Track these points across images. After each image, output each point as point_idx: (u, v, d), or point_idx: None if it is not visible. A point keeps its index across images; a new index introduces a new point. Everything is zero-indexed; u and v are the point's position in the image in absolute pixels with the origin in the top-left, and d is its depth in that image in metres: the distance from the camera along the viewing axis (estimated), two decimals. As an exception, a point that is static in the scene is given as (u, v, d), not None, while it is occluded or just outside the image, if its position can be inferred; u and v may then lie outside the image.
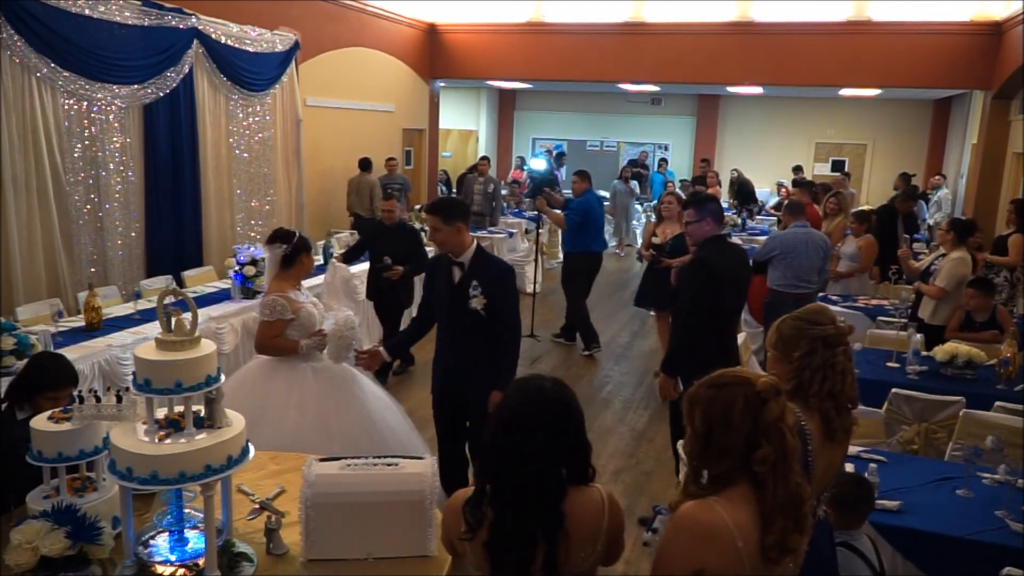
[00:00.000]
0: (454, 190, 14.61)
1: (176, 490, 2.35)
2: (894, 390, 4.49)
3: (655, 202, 13.92)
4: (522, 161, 16.51)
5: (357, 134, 11.12)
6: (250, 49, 8.50)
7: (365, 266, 6.94)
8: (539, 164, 9.60)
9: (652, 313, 8.00)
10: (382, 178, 10.94)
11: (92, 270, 6.76)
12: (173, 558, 2.35)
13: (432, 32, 12.95)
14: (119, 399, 2.37)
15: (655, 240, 6.82)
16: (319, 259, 6.81)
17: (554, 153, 17.64)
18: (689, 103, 17.05)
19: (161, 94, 7.29)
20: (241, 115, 8.56)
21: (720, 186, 12.74)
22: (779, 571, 1.76)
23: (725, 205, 11.73)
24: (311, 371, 3.87)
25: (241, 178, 8.64)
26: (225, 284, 6.63)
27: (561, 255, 8.24)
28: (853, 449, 3.46)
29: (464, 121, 17.77)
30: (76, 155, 6.58)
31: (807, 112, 16.07)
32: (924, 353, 5.12)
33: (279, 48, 8.99)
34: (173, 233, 7.63)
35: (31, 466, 2.48)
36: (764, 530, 1.73)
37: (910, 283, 6.45)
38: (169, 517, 2.41)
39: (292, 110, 9.45)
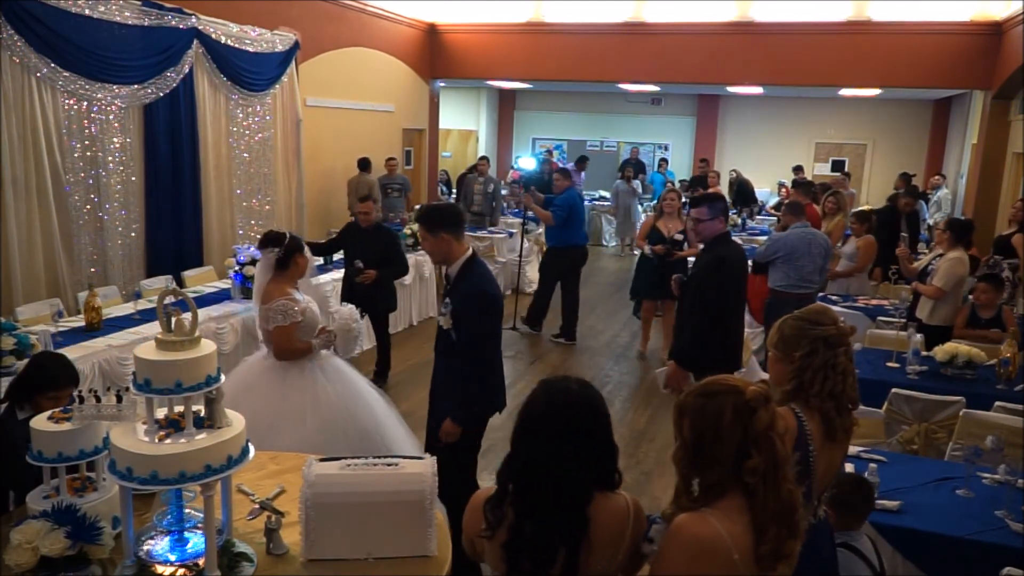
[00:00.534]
0: (454, 190, 14.63)
1: (176, 490, 2.35)
2: (894, 390, 4.49)
3: (655, 201, 13.97)
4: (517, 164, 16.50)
5: (357, 134, 11.12)
6: (250, 49, 8.50)
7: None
8: (528, 163, 9.63)
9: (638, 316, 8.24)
10: (382, 178, 10.95)
11: (92, 270, 6.77)
12: (173, 558, 2.34)
13: (432, 32, 12.95)
14: (119, 399, 2.37)
15: (675, 235, 7.22)
16: (319, 259, 6.78)
17: (554, 153, 17.65)
18: (689, 103, 17.04)
19: (161, 94, 7.29)
20: (241, 115, 8.56)
21: (721, 186, 12.73)
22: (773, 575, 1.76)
23: (726, 205, 11.74)
24: (320, 370, 3.88)
25: (241, 178, 8.64)
26: (225, 284, 6.63)
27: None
28: (853, 449, 3.47)
29: (464, 121, 17.77)
30: (76, 155, 6.58)
31: (807, 112, 16.07)
32: (924, 353, 5.12)
33: (279, 48, 8.99)
34: (173, 233, 7.63)
35: (31, 466, 2.48)
36: (758, 539, 1.72)
37: (909, 283, 6.45)
38: (169, 517, 2.40)
39: (292, 110, 9.45)
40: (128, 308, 5.79)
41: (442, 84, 13.81)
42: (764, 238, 8.98)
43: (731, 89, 14.47)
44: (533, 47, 12.58)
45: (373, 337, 6.79)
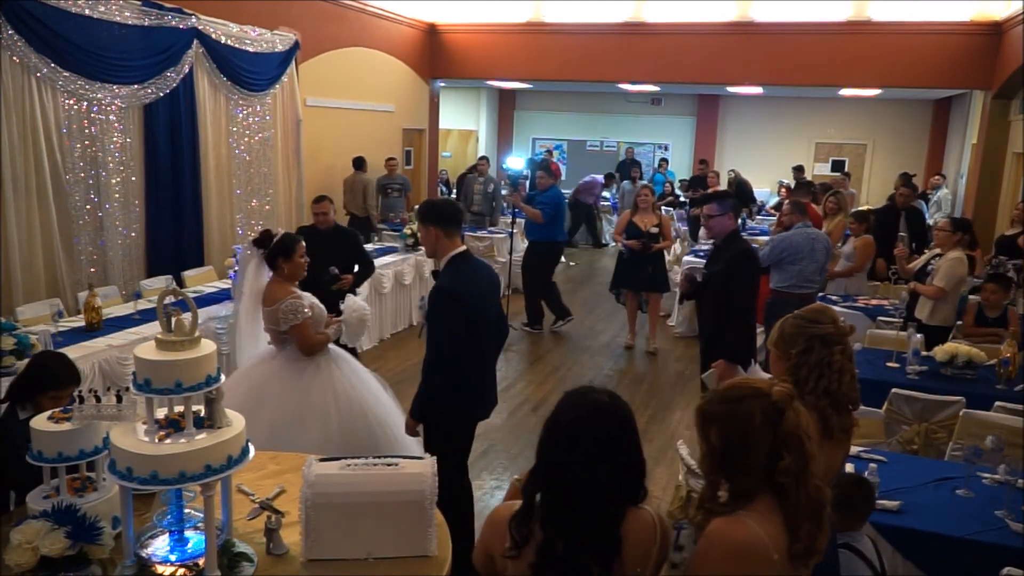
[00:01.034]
0: (453, 190, 14.63)
1: (176, 490, 2.35)
2: (894, 390, 4.49)
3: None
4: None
5: (357, 134, 11.12)
6: (250, 49, 8.50)
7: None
8: (516, 163, 9.67)
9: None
10: (382, 178, 10.95)
11: (92, 270, 6.77)
12: (173, 558, 2.34)
13: (432, 32, 12.95)
14: (119, 399, 2.37)
15: (651, 229, 7.64)
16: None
17: (554, 154, 17.65)
18: (689, 103, 17.04)
19: (161, 94, 7.29)
20: (241, 115, 8.56)
21: (720, 186, 12.72)
22: (803, 572, 1.76)
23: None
24: (335, 365, 3.89)
25: (241, 178, 8.64)
26: (225, 284, 6.64)
27: (525, 243, 8.89)
28: (853, 449, 3.46)
29: (464, 121, 17.77)
30: (76, 155, 6.58)
31: (807, 112, 16.07)
32: (924, 353, 5.13)
33: (279, 48, 8.99)
34: (173, 233, 7.64)
35: (31, 466, 2.48)
36: (792, 538, 1.71)
37: (909, 283, 6.45)
38: (169, 517, 2.40)
39: (292, 110, 9.45)
40: (128, 308, 5.79)
41: (442, 84, 13.81)
42: (764, 238, 8.98)
43: (731, 89, 14.47)
44: (533, 47, 12.58)
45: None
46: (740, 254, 4.48)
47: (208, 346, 2.36)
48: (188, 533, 2.42)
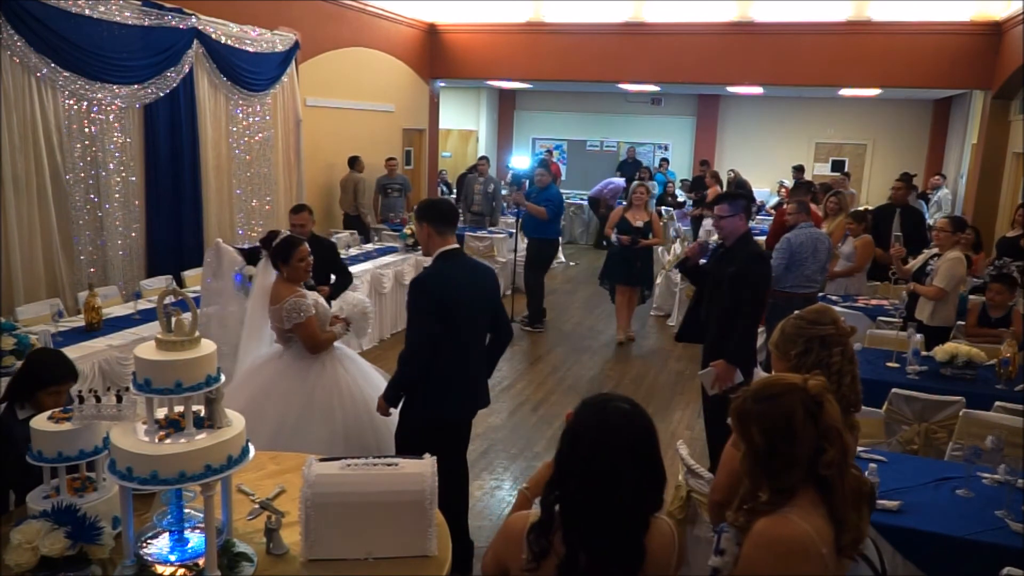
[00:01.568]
0: (453, 190, 14.62)
1: (176, 490, 2.35)
2: (894, 390, 4.49)
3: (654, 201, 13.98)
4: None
5: (357, 134, 11.12)
6: (250, 49, 8.50)
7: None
8: (521, 162, 9.70)
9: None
10: (382, 178, 10.95)
11: (92, 270, 6.77)
12: (173, 558, 2.34)
13: (432, 32, 12.95)
14: (119, 399, 2.37)
15: (638, 223, 7.92)
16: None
17: (554, 154, 17.65)
18: (689, 103, 17.04)
19: (161, 94, 7.29)
20: (241, 115, 8.56)
21: (720, 186, 12.72)
22: (847, 564, 1.78)
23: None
24: (340, 364, 3.91)
25: (241, 178, 8.64)
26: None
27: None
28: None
29: (464, 121, 17.77)
30: (76, 155, 6.58)
31: (807, 112, 16.07)
32: (924, 353, 5.12)
33: (279, 48, 8.99)
34: (173, 233, 7.64)
35: (32, 466, 2.48)
36: (838, 529, 1.71)
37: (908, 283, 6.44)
38: (169, 517, 2.40)
39: (292, 110, 9.45)
40: (128, 308, 5.79)
41: (442, 84, 13.81)
42: (764, 238, 8.98)
43: (731, 89, 14.47)
44: (533, 47, 12.58)
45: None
46: (753, 258, 4.42)
47: (208, 346, 2.36)
48: (188, 533, 2.42)
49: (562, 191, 10.05)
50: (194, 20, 7.60)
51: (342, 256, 8.39)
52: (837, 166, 15.86)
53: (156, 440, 2.24)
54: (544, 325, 8.84)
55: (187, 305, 2.38)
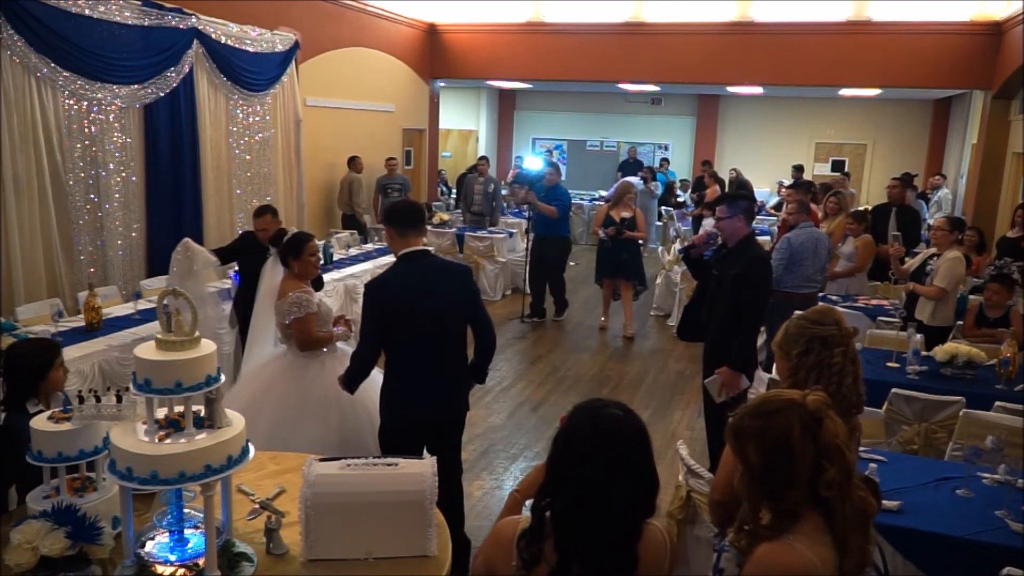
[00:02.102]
0: (453, 190, 14.62)
1: (176, 490, 2.35)
2: (894, 390, 4.49)
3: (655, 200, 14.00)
4: (520, 162, 16.52)
5: (357, 134, 11.12)
6: (250, 49, 8.50)
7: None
8: (534, 163, 9.72)
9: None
10: (382, 178, 10.95)
11: (92, 270, 6.77)
12: (173, 558, 2.34)
13: (432, 32, 12.95)
14: (119, 399, 2.37)
15: (623, 216, 8.27)
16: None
17: (554, 154, 17.65)
18: (689, 103, 17.05)
19: (161, 94, 7.29)
20: (241, 115, 8.56)
21: (719, 186, 12.72)
22: None
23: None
24: (339, 365, 3.86)
25: (241, 178, 8.64)
26: (225, 284, 6.63)
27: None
28: (853, 449, 3.46)
29: (464, 121, 17.77)
30: (76, 155, 6.58)
31: (807, 112, 16.07)
32: (924, 353, 5.12)
33: (279, 48, 8.99)
34: (173, 233, 7.60)
35: (31, 465, 2.48)
36: (842, 554, 1.63)
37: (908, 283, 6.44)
38: (169, 517, 2.40)
39: (292, 110, 9.45)
40: (128, 308, 5.79)
41: (442, 84, 13.81)
42: (765, 238, 8.98)
43: (731, 89, 14.47)
44: (533, 47, 12.58)
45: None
46: (756, 260, 4.39)
47: (208, 346, 2.36)
48: (188, 533, 2.42)
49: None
50: (194, 20, 7.60)
51: (342, 256, 8.44)
52: (837, 166, 15.86)
53: (156, 440, 2.24)
54: (563, 315, 9.19)
55: (187, 305, 2.38)
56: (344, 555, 2.43)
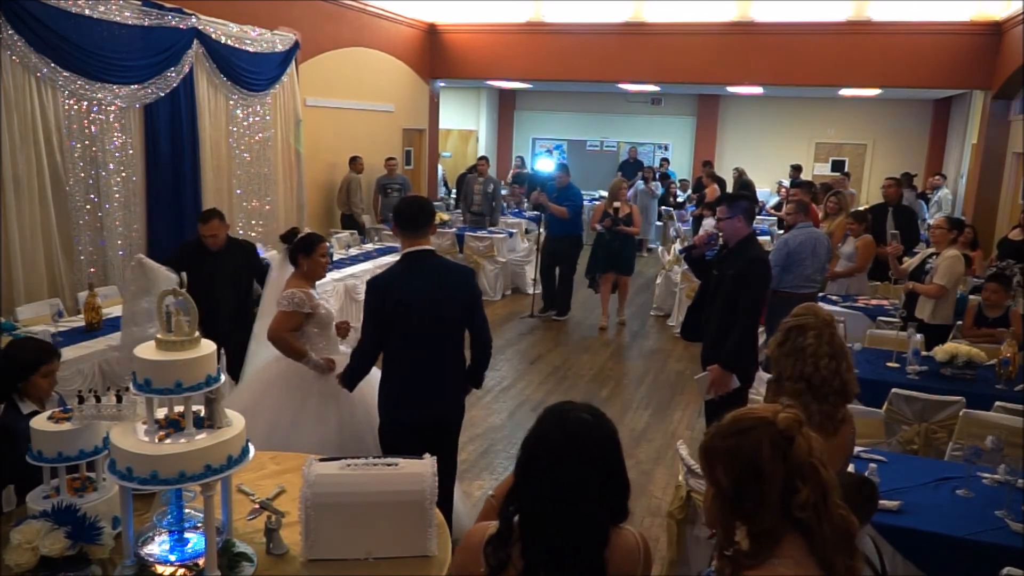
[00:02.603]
0: (452, 190, 14.62)
1: (176, 490, 2.35)
2: (894, 390, 4.49)
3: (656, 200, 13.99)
4: (522, 161, 16.52)
5: (357, 134, 11.12)
6: (250, 49, 8.50)
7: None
8: (546, 165, 9.74)
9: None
10: (382, 178, 10.96)
11: (92, 270, 6.76)
12: (173, 558, 2.34)
13: (432, 32, 12.95)
14: (119, 399, 2.37)
15: (614, 205, 8.60)
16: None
17: (554, 154, 17.65)
18: (689, 103, 17.05)
19: (161, 94, 7.29)
20: (241, 115, 8.56)
21: (718, 185, 12.71)
22: None
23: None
24: (339, 365, 3.85)
25: (241, 178, 8.64)
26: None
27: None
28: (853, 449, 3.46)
29: (464, 121, 17.77)
30: (76, 155, 6.57)
31: (807, 112, 16.07)
32: (924, 353, 5.12)
33: (279, 48, 8.99)
34: (173, 233, 7.63)
35: (31, 465, 2.48)
36: (829, 575, 1.57)
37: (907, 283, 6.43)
38: (169, 517, 2.40)
39: (292, 110, 9.45)
40: (128, 308, 5.78)
41: (442, 84, 13.81)
42: (765, 238, 8.99)
43: (731, 89, 14.47)
44: (533, 47, 12.58)
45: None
46: (755, 261, 4.39)
47: (208, 346, 2.36)
48: (188, 533, 2.42)
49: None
50: (194, 20, 7.60)
51: (342, 256, 8.44)
52: (837, 166, 15.86)
53: (156, 440, 2.24)
54: (565, 316, 9.25)
55: (187, 305, 2.38)
56: (344, 555, 2.43)
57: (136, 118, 7.16)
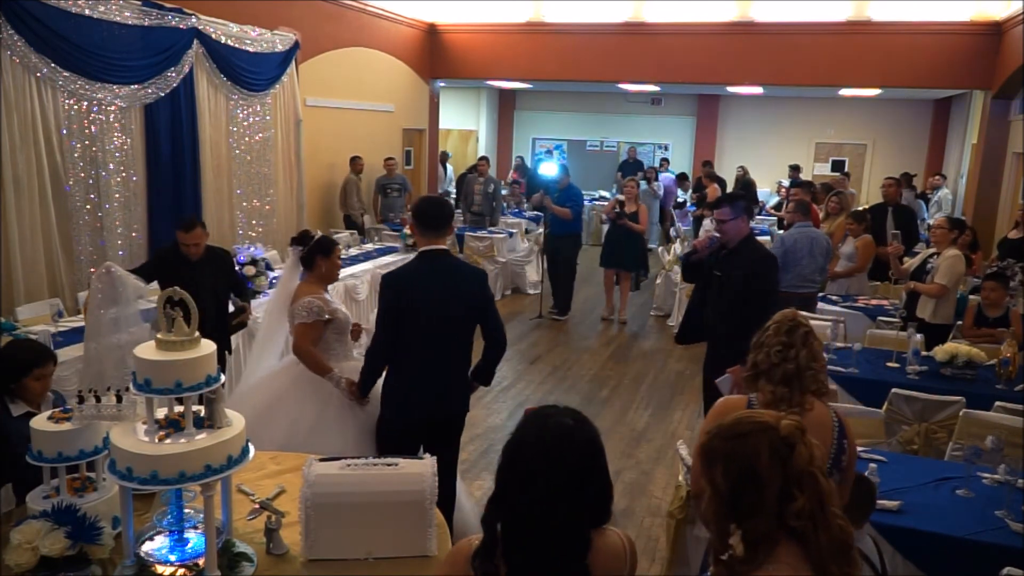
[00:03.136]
0: (452, 190, 14.61)
1: (176, 490, 2.35)
2: (894, 390, 4.49)
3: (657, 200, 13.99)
4: (522, 161, 16.52)
5: (357, 134, 11.12)
6: (250, 49, 8.50)
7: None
8: (550, 169, 9.72)
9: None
10: (381, 178, 10.96)
11: (92, 270, 6.75)
12: (173, 558, 2.35)
13: (432, 32, 12.95)
14: (119, 399, 2.37)
15: (621, 198, 9.05)
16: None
17: (554, 154, 17.66)
18: (689, 103, 17.05)
19: (161, 94, 7.29)
20: (241, 115, 8.56)
21: (718, 185, 12.71)
22: None
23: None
24: (355, 373, 3.77)
25: (241, 178, 8.64)
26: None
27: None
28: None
29: (464, 121, 17.77)
30: (76, 155, 6.57)
31: (807, 112, 16.07)
32: (924, 353, 5.12)
33: (279, 48, 8.99)
34: (173, 233, 7.60)
35: (30, 465, 2.48)
36: None
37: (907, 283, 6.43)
38: (169, 517, 2.41)
39: (292, 110, 9.45)
40: (128, 308, 5.77)
41: (442, 84, 13.81)
42: (766, 238, 8.98)
43: (731, 89, 14.47)
44: (533, 47, 12.58)
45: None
46: (763, 258, 4.39)
47: (208, 346, 2.36)
48: (188, 533, 2.42)
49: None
50: (194, 20, 7.59)
51: (343, 256, 8.42)
52: (837, 166, 15.86)
53: (156, 440, 2.24)
54: (566, 316, 9.34)
55: (187, 305, 2.38)
56: (344, 555, 2.43)
57: (136, 118, 7.16)
